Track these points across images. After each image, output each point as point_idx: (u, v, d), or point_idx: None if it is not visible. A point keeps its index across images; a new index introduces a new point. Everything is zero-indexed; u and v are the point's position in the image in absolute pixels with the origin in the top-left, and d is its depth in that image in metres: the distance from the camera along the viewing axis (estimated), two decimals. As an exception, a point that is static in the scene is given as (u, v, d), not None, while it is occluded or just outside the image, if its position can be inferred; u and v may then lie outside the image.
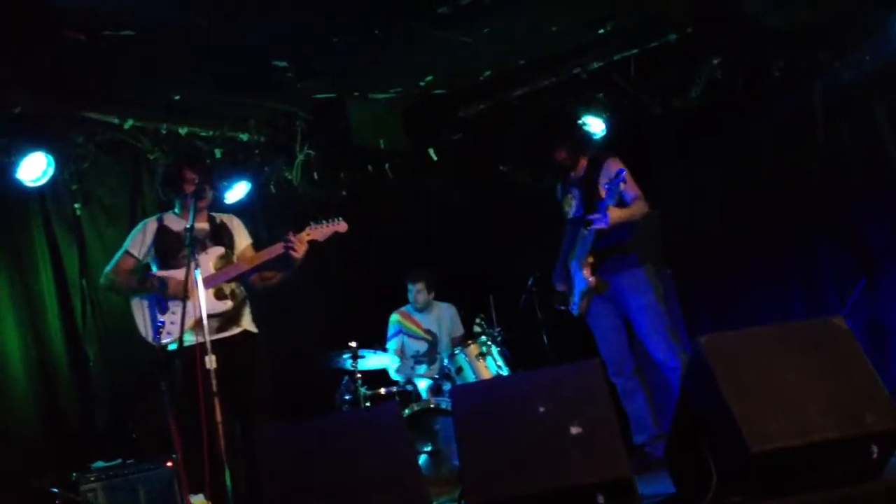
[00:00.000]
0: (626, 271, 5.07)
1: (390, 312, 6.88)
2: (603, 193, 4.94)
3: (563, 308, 5.37)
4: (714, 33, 6.21)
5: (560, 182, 5.38)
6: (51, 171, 5.67)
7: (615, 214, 4.81)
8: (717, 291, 6.67)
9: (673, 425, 3.72)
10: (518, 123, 6.62)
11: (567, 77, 6.75)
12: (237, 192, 6.60)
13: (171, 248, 4.65)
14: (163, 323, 4.53)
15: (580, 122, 5.99)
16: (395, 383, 6.37)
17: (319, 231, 4.69)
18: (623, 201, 4.93)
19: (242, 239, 4.89)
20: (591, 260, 5.05)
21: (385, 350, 6.51)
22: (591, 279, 5.05)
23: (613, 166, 5.03)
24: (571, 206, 5.24)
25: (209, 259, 4.67)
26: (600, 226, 4.82)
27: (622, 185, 4.75)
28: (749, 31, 6.07)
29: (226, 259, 4.74)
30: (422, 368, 6.55)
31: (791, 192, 6.26)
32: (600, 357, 5.04)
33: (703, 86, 6.32)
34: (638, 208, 4.96)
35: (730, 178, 6.52)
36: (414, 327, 6.79)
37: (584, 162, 5.21)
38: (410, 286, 6.75)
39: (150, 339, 4.59)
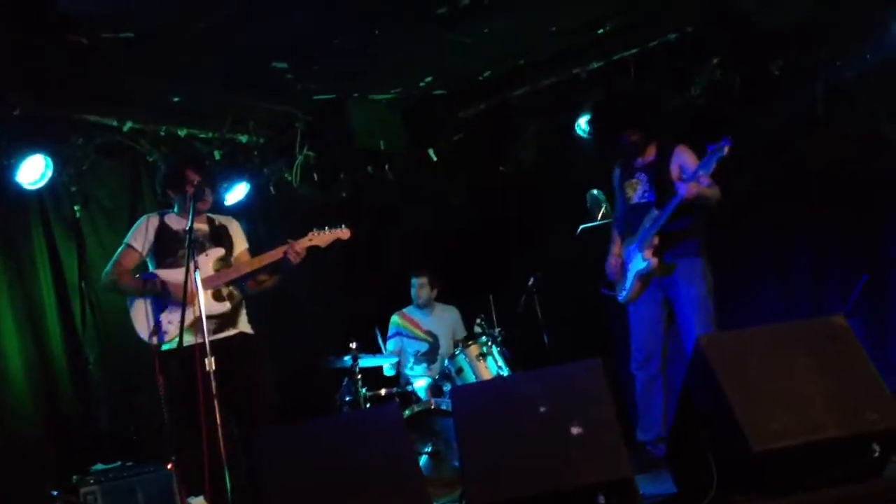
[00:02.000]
0: (686, 258, 4.99)
1: (391, 313, 6.86)
2: (674, 177, 4.94)
3: (609, 293, 5.29)
4: (714, 33, 6.20)
5: (621, 165, 5.27)
6: (49, 174, 5.66)
7: (698, 188, 4.76)
8: (719, 290, 6.65)
9: (674, 424, 3.71)
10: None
11: (566, 77, 6.75)
12: (237, 193, 6.60)
13: (170, 247, 4.65)
14: (160, 322, 4.52)
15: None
16: (396, 384, 6.36)
17: (322, 237, 4.67)
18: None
19: (240, 242, 4.90)
20: (656, 241, 4.95)
21: (382, 353, 6.50)
22: (654, 260, 4.95)
23: (685, 154, 5.01)
24: (636, 191, 5.14)
25: (209, 260, 4.67)
26: (682, 195, 4.75)
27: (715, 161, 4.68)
28: (748, 30, 6.05)
29: (225, 261, 4.74)
30: (421, 368, 6.54)
31: (793, 189, 6.25)
32: (612, 352, 5.01)
33: (703, 85, 6.31)
34: (716, 191, 4.89)
35: (730, 178, 6.49)
36: (414, 329, 6.78)
37: (653, 148, 5.12)
38: (414, 280, 6.75)
39: (146, 338, 4.58)
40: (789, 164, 6.23)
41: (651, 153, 5.13)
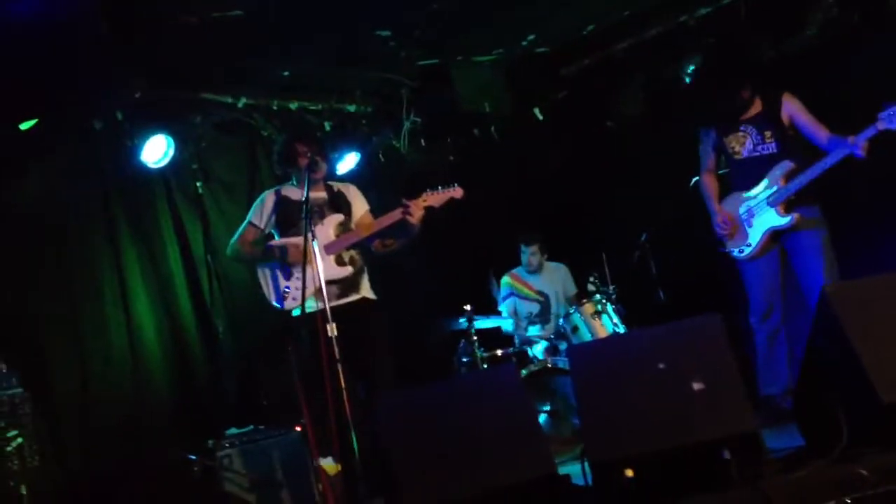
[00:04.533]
0: (806, 209, 4.91)
1: (502, 274, 6.91)
2: (787, 126, 4.89)
3: (725, 251, 5.18)
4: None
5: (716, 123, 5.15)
6: (172, 152, 5.90)
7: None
8: (842, 240, 6.41)
9: (801, 377, 3.64)
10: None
11: (672, 26, 6.56)
12: (347, 162, 6.73)
13: (292, 217, 4.78)
14: (288, 288, 4.68)
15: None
16: (512, 344, 6.41)
17: (436, 197, 4.73)
18: (802, 135, 4.86)
19: (360, 206, 4.99)
20: (793, 197, 4.87)
21: (499, 314, 6.56)
22: (797, 216, 4.86)
23: (793, 103, 4.92)
24: (744, 145, 5.01)
25: (329, 226, 4.80)
26: (858, 154, 4.65)
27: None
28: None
29: (344, 226, 4.86)
30: (535, 329, 6.58)
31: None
32: (730, 306, 4.94)
33: (819, 24, 6.05)
34: None
35: (849, 120, 6.23)
36: (525, 289, 6.80)
37: (757, 99, 5.01)
38: (524, 248, 6.75)
39: (275, 303, 4.76)
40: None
41: (756, 104, 5.00)
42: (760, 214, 4.97)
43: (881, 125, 4.59)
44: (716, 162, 5.26)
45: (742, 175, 5.05)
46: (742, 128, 5.02)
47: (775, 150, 4.93)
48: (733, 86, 4.98)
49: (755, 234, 5.01)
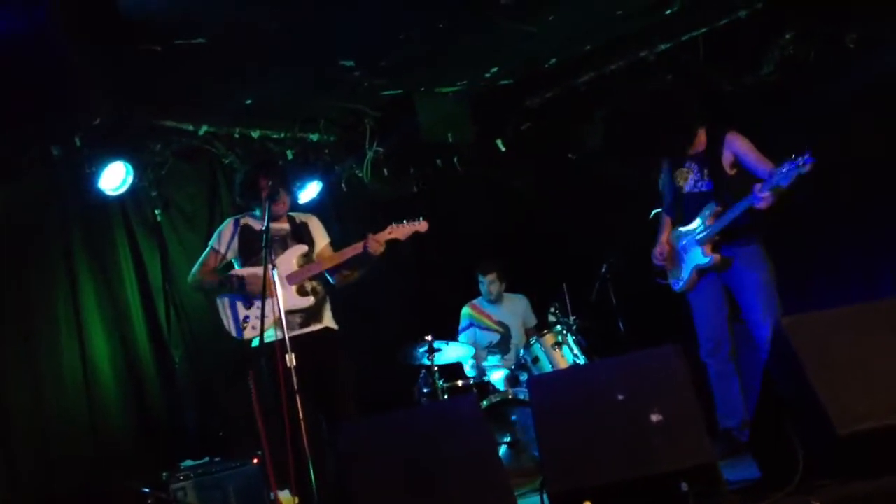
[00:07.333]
0: (745, 247, 4.91)
1: (463, 305, 6.90)
2: (728, 165, 4.88)
3: (663, 283, 5.25)
4: (785, 8, 6.06)
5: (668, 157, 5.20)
6: (130, 180, 5.83)
7: (772, 201, 4.62)
8: (799, 271, 6.50)
9: (757, 409, 3.67)
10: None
11: (634, 60, 6.67)
12: (309, 191, 6.70)
13: (254, 246, 4.74)
14: (248, 318, 4.63)
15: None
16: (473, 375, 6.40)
17: (400, 230, 4.75)
18: (752, 174, 4.79)
19: (321, 238, 4.99)
20: (717, 238, 4.90)
21: (457, 340, 6.54)
22: (717, 256, 4.90)
23: (738, 140, 4.91)
24: (687, 180, 5.06)
25: (292, 257, 4.78)
26: (761, 205, 4.61)
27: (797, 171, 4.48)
28: (820, 3, 5.90)
29: (307, 257, 4.84)
30: (495, 359, 6.57)
31: (872, 166, 6.06)
32: (690, 338, 4.98)
33: (776, 62, 6.18)
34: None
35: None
36: (485, 319, 6.80)
37: (702, 135, 5.02)
38: (482, 278, 6.75)
39: (234, 333, 4.70)
40: (862, 140, 6.04)
41: (701, 141, 5.04)
42: (691, 251, 5.04)
43: (776, 179, 4.53)
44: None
45: (683, 209, 5.11)
46: (686, 163, 5.06)
47: (710, 189, 4.98)
48: (686, 120, 5.01)
49: (685, 270, 5.08)
